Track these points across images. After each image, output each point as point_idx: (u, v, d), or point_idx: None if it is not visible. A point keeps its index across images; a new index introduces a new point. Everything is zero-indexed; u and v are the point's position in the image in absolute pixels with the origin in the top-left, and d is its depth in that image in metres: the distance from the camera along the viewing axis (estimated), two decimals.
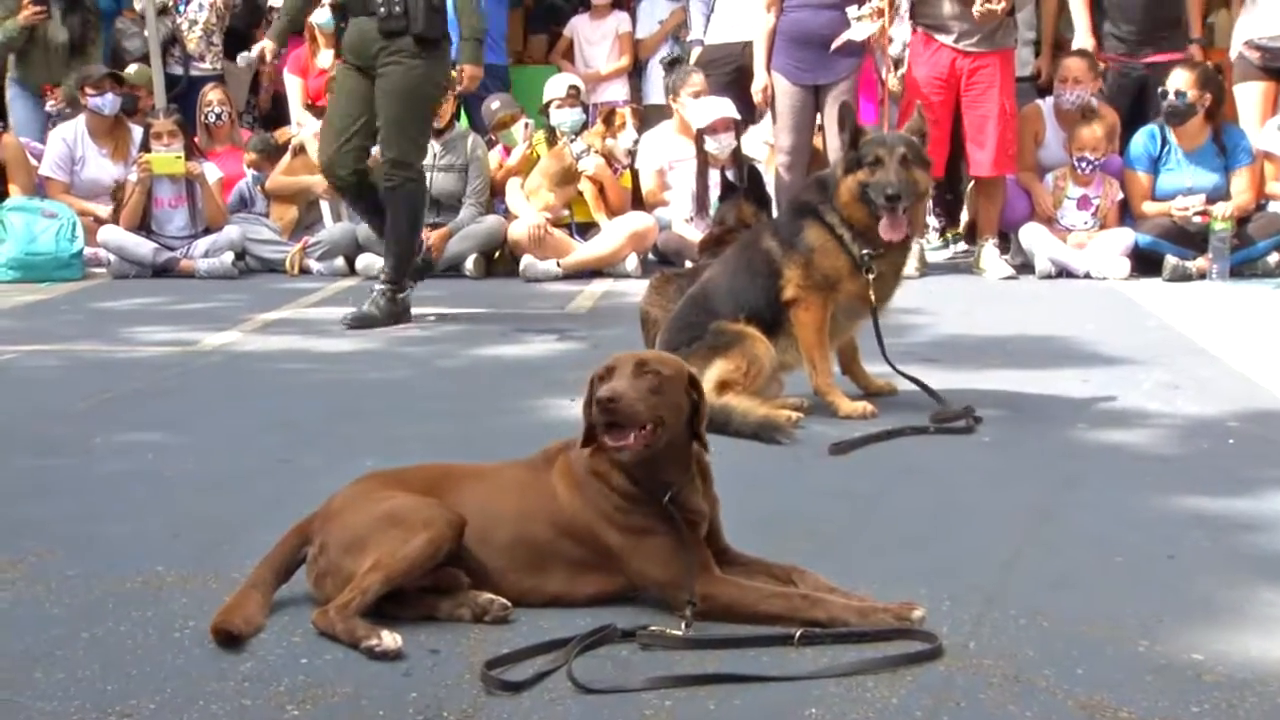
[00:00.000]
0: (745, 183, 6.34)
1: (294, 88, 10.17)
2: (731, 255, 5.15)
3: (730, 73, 9.00)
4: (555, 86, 9.07)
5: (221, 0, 10.32)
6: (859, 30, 8.24)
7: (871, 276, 4.80)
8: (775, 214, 6.19)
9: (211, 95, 9.68)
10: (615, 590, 3.00)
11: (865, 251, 4.79)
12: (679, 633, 2.81)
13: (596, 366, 3.03)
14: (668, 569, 2.93)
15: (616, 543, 2.96)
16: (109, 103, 9.06)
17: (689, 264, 7.23)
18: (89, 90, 9.03)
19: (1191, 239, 8.17)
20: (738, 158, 8.55)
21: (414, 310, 7.15)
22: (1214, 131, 8.32)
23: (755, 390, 4.73)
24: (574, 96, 9.02)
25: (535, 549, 3.01)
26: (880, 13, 8.34)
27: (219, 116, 9.64)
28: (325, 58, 9.96)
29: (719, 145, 8.45)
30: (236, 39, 10.56)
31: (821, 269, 4.83)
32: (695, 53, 9.57)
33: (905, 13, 8.62)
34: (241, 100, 10.77)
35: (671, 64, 9.52)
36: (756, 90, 8.58)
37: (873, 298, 4.85)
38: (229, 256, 8.69)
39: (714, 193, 8.12)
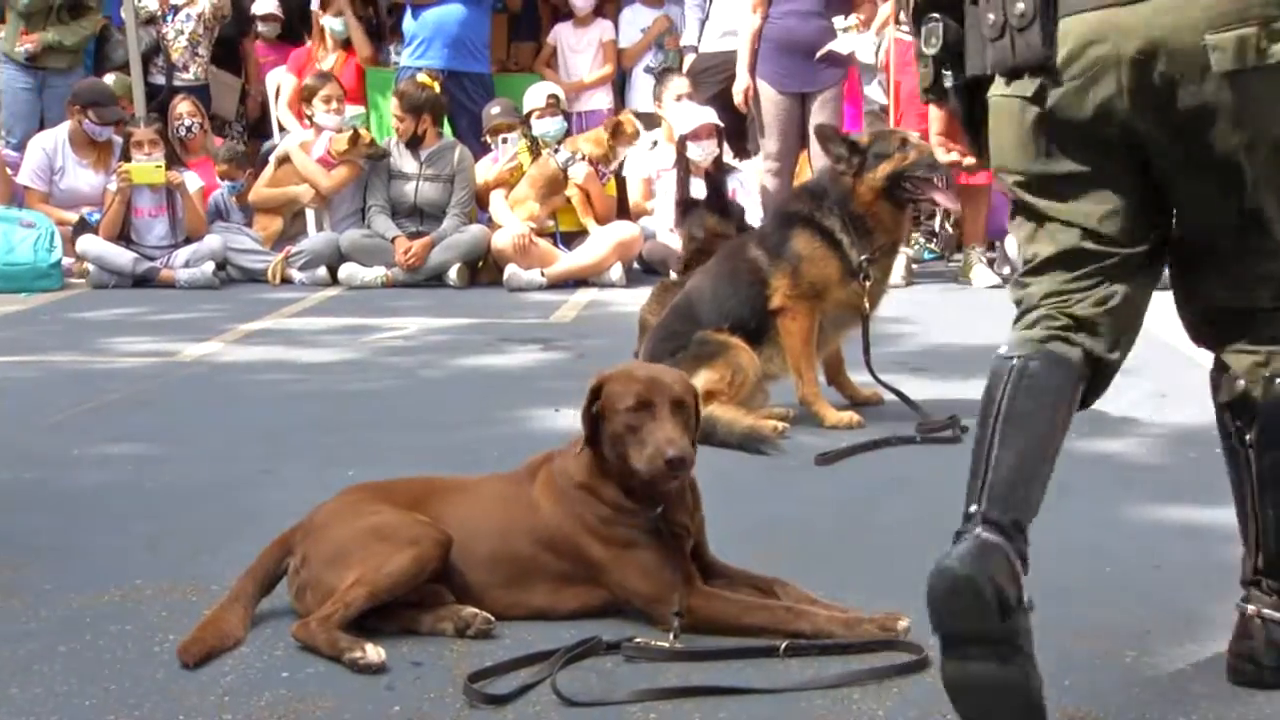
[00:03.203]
0: (709, 195, 6.33)
1: (288, 86, 10.13)
2: (715, 265, 5.14)
3: (722, 81, 8.97)
4: (534, 96, 9.05)
5: (210, 11, 10.30)
6: (845, 42, 8.24)
7: (869, 283, 4.82)
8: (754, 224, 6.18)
9: (181, 108, 9.54)
10: (599, 605, 2.98)
11: (865, 257, 4.80)
12: (665, 644, 2.79)
13: (604, 374, 2.99)
14: (651, 582, 2.91)
15: (599, 555, 2.94)
16: (106, 132, 9.07)
17: (674, 276, 7.22)
18: (92, 115, 8.98)
19: None
20: (719, 166, 8.55)
21: (397, 321, 7.11)
22: None
23: (740, 400, 4.72)
24: (554, 105, 9.00)
25: (517, 564, 2.99)
26: (866, 24, 8.35)
27: (189, 129, 9.52)
28: (329, 61, 10.01)
29: (702, 152, 8.44)
30: (227, 48, 10.58)
31: (810, 277, 4.82)
32: (689, 59, 9.56)
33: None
34: (231, 110, 10.76)
35: (663, 73, 9.51)
36: (738, 92, 8.57)
37: (866, 304, 4.85)
38: (210, 266, 8.64)
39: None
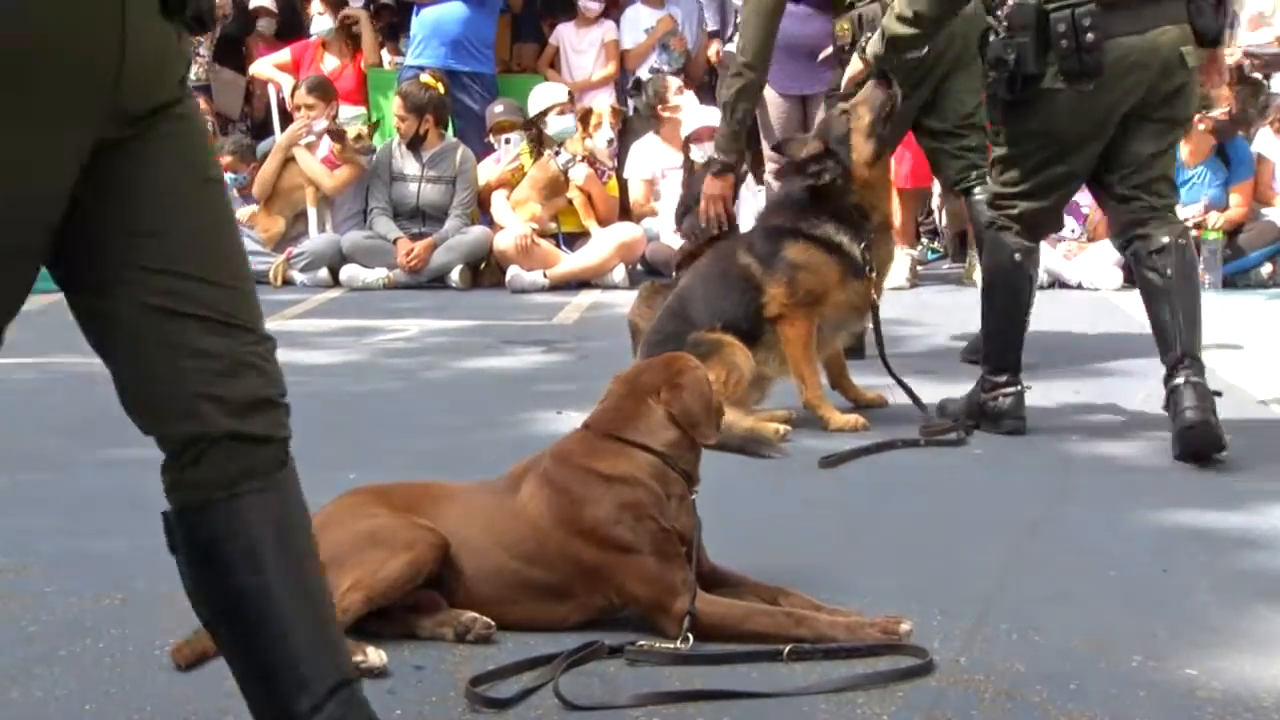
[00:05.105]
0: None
1: (287, 84, 10.11)
2: (706, 265, 5.11)
3: None
4: (553, 94, 9.01)
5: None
6: None
7: (874, 275, 4.79)
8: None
9: None
10: (588, 618, 2.94)
11: (864, 245, 4.76)
12: (668, 648, 2.78)
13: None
14: (652, 587, 2.87)
15: (596, 559, 2.89)
16: None
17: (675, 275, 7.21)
18: None
19: None
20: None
21: (399, 322, 7.10)
22: (1219, 145, 8.36)
23: (736, 399, 4.67)
24: (570, 104, 8.99)
25: (501, 577, 2.93)
26: None
27: None
28: (330, 62, 10.04)
29: (705, 153, 8.42)
30: (230, 46, 10.56)
31: (807, 285, 4.78)
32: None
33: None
34: (236, 110, 10.74)
35: (634, 87, 9.51)
36: None
37: (874, 295, 4.83)
38: None
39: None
